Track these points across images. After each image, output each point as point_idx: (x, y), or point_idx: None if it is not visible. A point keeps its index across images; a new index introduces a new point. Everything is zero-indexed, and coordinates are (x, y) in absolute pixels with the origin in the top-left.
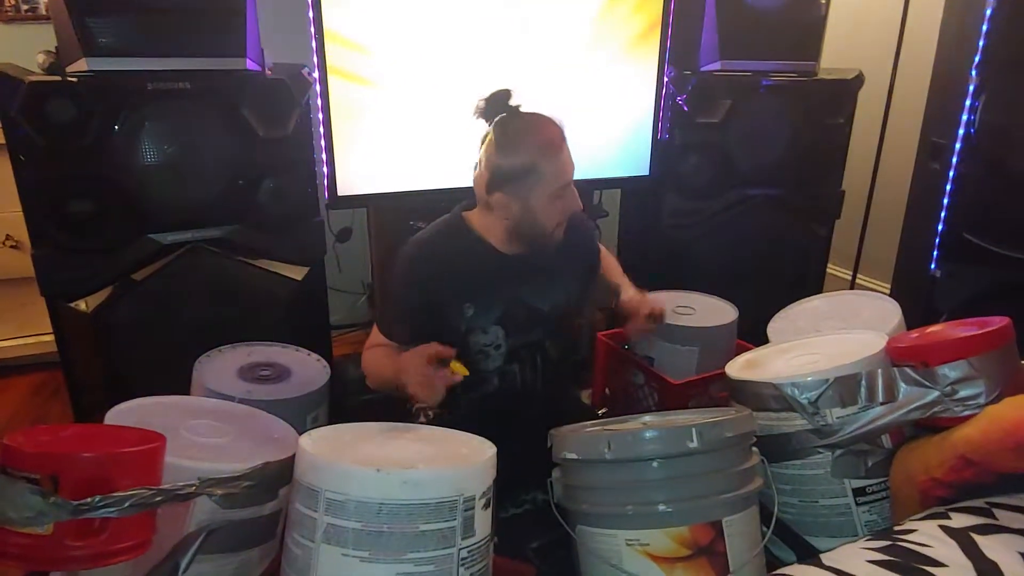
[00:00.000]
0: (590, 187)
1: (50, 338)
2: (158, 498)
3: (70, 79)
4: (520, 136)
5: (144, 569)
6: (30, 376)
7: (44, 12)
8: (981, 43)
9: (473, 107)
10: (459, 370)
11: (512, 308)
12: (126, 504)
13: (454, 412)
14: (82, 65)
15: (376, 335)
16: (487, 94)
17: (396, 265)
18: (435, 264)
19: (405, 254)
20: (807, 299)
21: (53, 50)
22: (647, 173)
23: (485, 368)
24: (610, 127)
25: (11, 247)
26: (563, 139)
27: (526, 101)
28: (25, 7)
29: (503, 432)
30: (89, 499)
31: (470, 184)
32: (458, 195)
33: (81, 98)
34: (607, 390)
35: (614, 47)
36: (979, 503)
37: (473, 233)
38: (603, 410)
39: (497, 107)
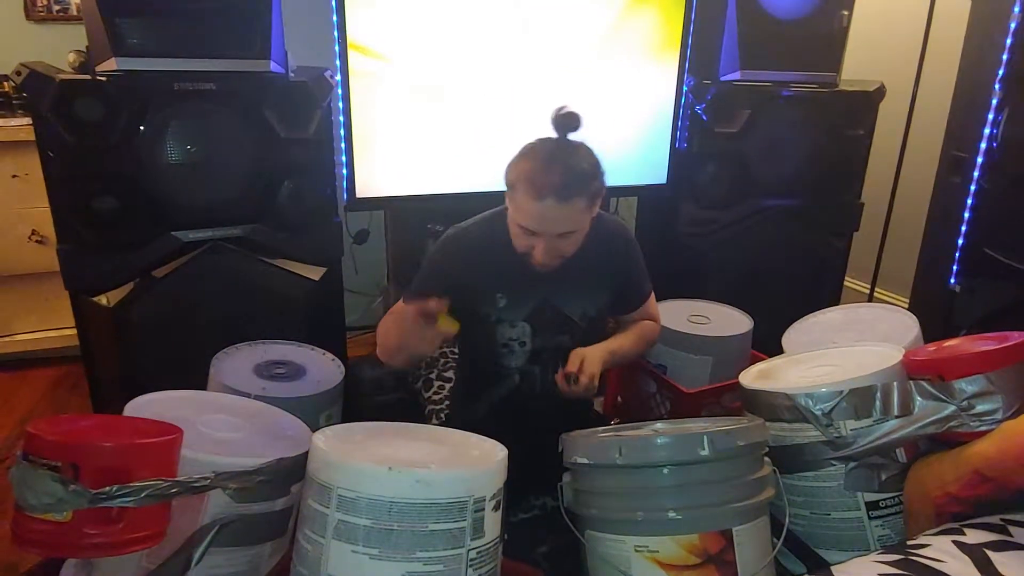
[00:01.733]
0: (607, 195)
1: (72, 332)
2: (174, 490)
3: (99, 78)
4: (520, 156)
5: (158, 560)
6: (51, 368)
7: (75, 12)
8: (1005, 56)
9: (552, 112)
10: (449, 325)
11: (542, 308)
12: (143, 494)
13: (472, 410)
14: (111, 65)
15: (398, 305)
16: (563, 109)
17: (438, 244)
18: (474, 250)
19: (448, 236)
20: (823, 311)
21: (84, 49)
22: (664, 182)
23: (508, 364)
24: (628, 135)
25: (37, 242)
26: (551, 190)
27: (529, 138)
28: (57, 7)
29: (518, 433)
30: (107, 488)
31: (488, 188)
32: (476, 199)
33: (109, 97)
34: (619, 398)
35: (634, 55)
36: (994, 520)
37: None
38: (616, 421)
39: (556, 126)
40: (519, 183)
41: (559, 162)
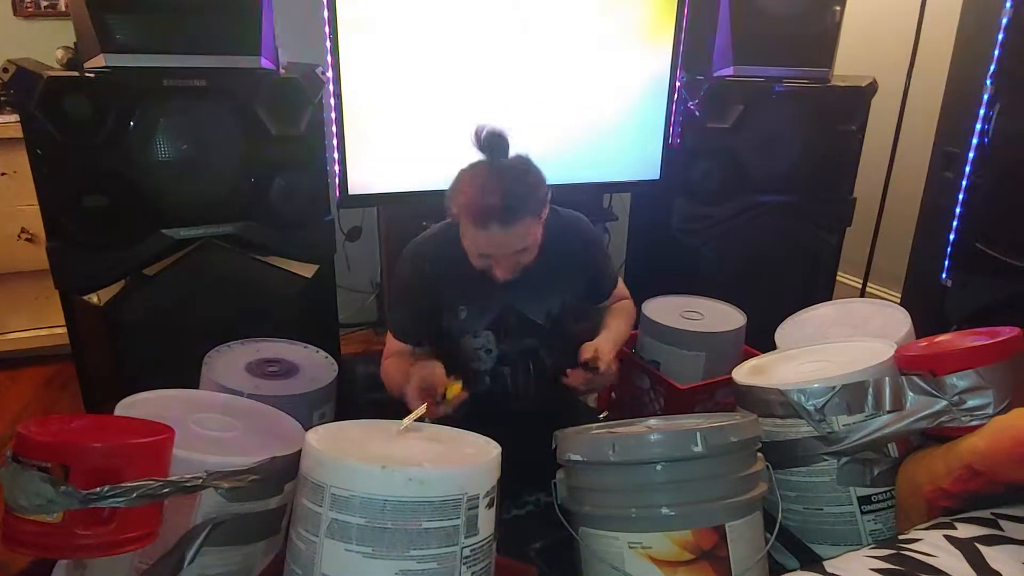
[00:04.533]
0: (599, 191)
1: (62, 330)
2: (165, 489)
3: (88, 75)
4: (456, 186)
5: (150, 559)
6: (42, 367)
7: (63, 8)
8: (996, 52)
9: (472, 134)
10: (455, 393)
11: (504, 315)
12: (134, 495)
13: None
14: (100, 61)
15: (390, 341)
16: (482, 129)
17: (397, 266)
18: (430, 266)
19: (404, 255)
20: (816, 306)
21: (72, 46)
22: (657, 177)
23: (477, 369)
24: (621, 131)
25: (26, 240)
26: (492, 217)
27: (521, 134)
28: (44, 3)
29: (502, 432)
30: (98, 489)
31: None
32: None
33: (98, 94)
34: (612, 394)
35: (626, 51)
36: (985, 514)
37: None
38: (604, 413)
39: (483, 150)
40: (461, 214)
41: (496, 188)
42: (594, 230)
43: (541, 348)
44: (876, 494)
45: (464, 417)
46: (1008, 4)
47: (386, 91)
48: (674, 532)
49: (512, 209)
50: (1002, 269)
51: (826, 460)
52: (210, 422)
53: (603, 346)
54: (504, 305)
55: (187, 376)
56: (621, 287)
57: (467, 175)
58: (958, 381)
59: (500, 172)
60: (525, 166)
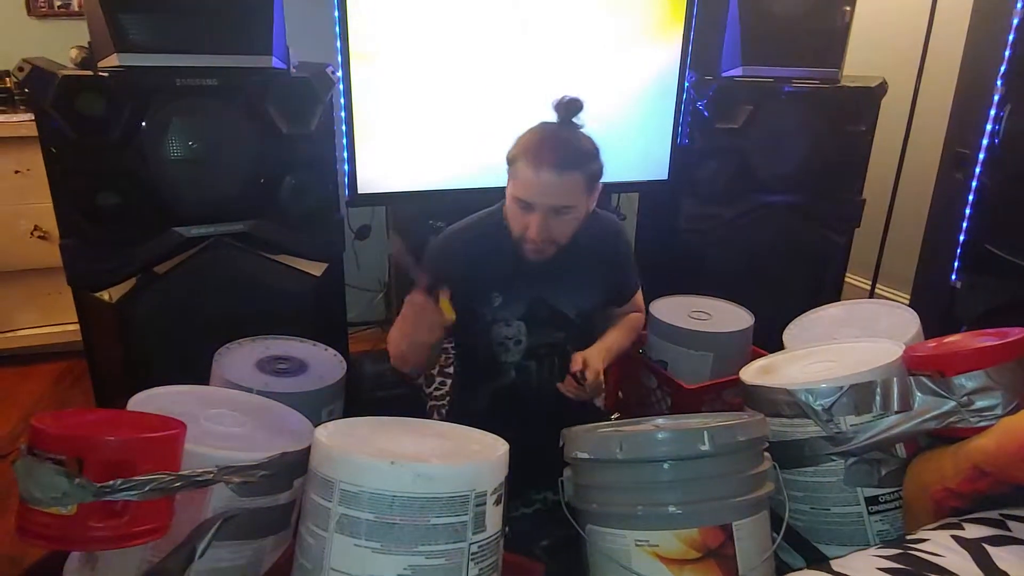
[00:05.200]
0: (607, 190)
1: (74, 327)
2: (177, 484)
3: (101, 74)
4: (526, 133)
5: (162, 552)
6: (54, 364)
7: (77, 8)
8: (1007, 53)
9: (553, 99)
10: (447, 310)
11: (536, 306)
12: (147, 488)
13: (471, 402)
14: (113, 60)
15: (402, 311)
16: (564, 96)
17: (432, 248)
18: (468, 250)
19: (440, 240)
20: (824, 307)
21: (86, 45)
22: (665, 177)
23: (503, 360)
24: (629, 131)
25: (39, 237)
26: (549, 159)
27: (583, 117)
28: (58, 3)
29: (516, 428)
30: (112, 482)
31: (488, 184)
32: (477, 195)
33: (111, 93)
34: (620, 393)
35: (635, 51)
36: (993, 514)
37: (506, 226)
38: (616, 415)
39: (557, 111)
40: (519, 156)
41: (560, 137)
42: (628, 233)
43: (568, 344)
44: (883, 494)
45: (482, 411)
46: (1019, 5)
47: (396, 91)
48: (681, 530)
49: (568, 157)
50: (1012, 270)
51: (833, 460)
52: (221, 418)
53: (592, 357)
54: (537, 296)
55: (197, 373)
56: (639, 298)
57: (536, 126)
58: (967, 382)
59: (568, 127)
60: (590, 136)
